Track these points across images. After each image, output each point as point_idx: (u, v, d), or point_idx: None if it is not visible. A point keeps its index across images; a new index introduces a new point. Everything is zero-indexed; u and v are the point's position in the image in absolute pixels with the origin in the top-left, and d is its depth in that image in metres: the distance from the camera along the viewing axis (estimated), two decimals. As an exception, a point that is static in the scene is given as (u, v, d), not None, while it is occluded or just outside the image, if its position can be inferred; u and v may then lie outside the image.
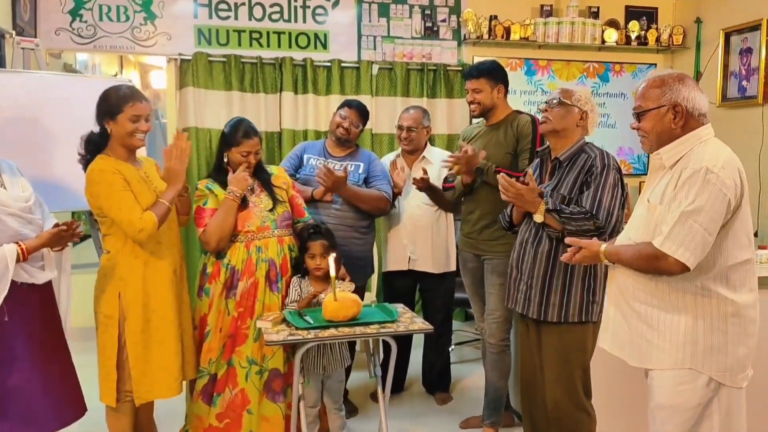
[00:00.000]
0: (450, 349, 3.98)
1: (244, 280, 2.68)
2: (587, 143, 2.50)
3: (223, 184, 2.71)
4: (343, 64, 4.64)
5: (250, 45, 4.62)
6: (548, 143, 2.56)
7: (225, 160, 2.77)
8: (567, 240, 2.09)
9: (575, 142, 2.46)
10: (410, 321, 2.45)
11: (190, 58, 4.41)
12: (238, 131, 2.72)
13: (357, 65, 4.68)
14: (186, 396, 2.79)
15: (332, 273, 2.35)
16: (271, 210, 2.75)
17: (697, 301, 1.83)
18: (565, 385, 2.45)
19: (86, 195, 2.35)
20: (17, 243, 2.16)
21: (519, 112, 3.01)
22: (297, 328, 2.33)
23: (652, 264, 1.82)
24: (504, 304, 2.80)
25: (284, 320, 2.43)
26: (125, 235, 2.34)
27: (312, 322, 2.38)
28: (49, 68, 3.80)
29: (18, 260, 2.14)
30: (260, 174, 2.82)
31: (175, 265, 2.52)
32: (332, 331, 2.30)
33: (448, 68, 4.81)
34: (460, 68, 4.81)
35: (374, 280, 4.18)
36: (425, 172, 3.18)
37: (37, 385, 2.17)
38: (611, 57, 5.16)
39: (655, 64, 5.24)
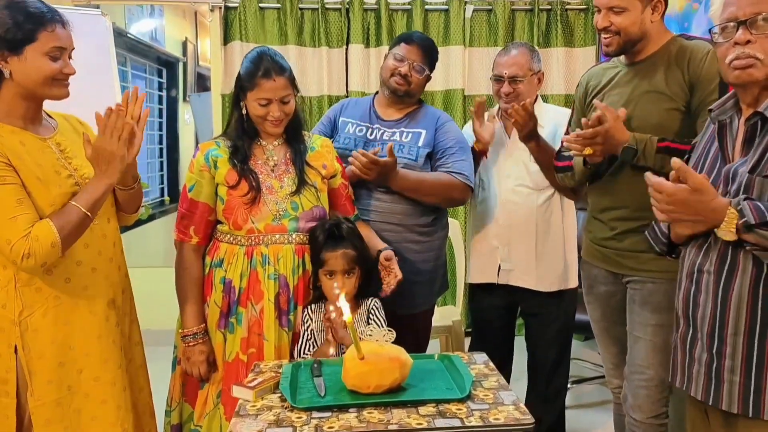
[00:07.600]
0: (567, 387, 2.88)
1: (249, 307, 1.81)
2: None
3: (238, 151, 1.84)
4: (427, 7, 3.82)
5: (310, -14, 3.86)
6: (736, 94, 1.41)
7: (243, 111, 1.87)
8: None
9: None
10: (493, 399, 1.39)
11: (236, 4, 3.76)
12: (256, 68, 1.80)
13: (446, 7, 3.82)
14: None
15: (346, 316, 1.34)
16: (293, 194, 1.83)
17: None
18: None
19: None
20: None
21: (687, 37, 1.84)
22: (292, 407, 1.35)
23: None
24: (660, 359, 1.71)
25: (278, 386, 1.45)
26: None
27: (322, 393, 1.39)
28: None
29: None
30: (292, 142, 1.90)
31: (113, 294, 1.62)
32: (349, 418, 1.30)
33: (568, 8, 3.81)
34: (584, 7, 3.76)
35: (460, 290, 3.12)
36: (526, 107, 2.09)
37: None
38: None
39: None
